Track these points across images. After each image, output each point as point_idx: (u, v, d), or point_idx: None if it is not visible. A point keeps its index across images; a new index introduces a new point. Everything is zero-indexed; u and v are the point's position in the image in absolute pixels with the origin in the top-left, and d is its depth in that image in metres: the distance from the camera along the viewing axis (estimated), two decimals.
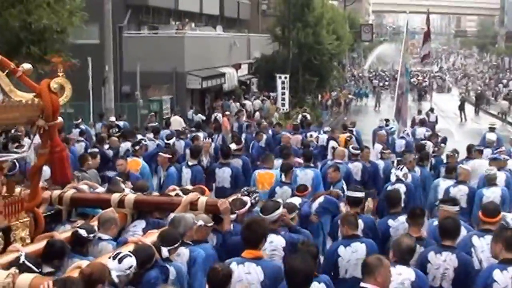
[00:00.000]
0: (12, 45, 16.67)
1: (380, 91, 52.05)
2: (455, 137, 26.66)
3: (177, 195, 7.39)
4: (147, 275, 5.62)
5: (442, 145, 15.54)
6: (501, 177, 10.99)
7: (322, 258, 7.08)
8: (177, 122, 20.51)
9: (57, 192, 7.26)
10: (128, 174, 10.29)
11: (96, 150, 12.63)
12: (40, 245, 6.03)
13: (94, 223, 6.66)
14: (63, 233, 6.52)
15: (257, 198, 7.68)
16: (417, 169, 12.18)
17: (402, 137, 17.21)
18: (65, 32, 18.04)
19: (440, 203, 7.86)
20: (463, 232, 7.02)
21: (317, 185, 10.80)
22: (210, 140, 15.04)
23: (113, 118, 20.30)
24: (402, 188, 10.19)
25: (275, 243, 6.68)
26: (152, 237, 6.15)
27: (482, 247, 6.75)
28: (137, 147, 12.40)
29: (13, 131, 14.81)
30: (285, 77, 31.96)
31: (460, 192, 10.33)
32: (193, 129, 18.19)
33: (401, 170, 10.57)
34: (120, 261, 5.39)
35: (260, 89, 37.94)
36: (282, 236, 6.80)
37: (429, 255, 6.46)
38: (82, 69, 19.88)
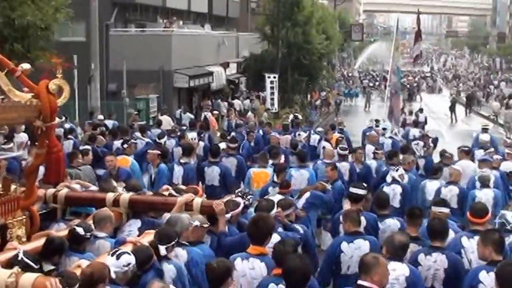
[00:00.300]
0: None
1: (370, 91, 52.39)
2: (445, 138, 26.99)
3: (170, 194, 7.54)
4: (144, 277, 5.75)
5: (432, 145, 15.74)
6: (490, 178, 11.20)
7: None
8: (166, 121, 20.68)
9: (51, 191, 7.41)
10: (118, 170, 10.47)
11: (88, 147, 12.80)
12: (37, 243, 6.19)
13: (89, 222, 6.78)
14: (58, 231, 6.66)
15: (251, 200, 7.84)
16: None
17: (390, 137, 17.40)
18: (50, 29, 17.91)
19: (432, 205, 8.06)
20: (451, 233, 7.13)
21: (313, 185, 10.84)
22: (197, 139, 15.19)
23: (101, 117, 20.44)
24: (398, 189, 10.42)
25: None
26: (149, 237, 6.30)
27: (472, 247, 6.86)
28: (125, 145, 12.60)
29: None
30: (274, 77, 32.11)
31: (451, 192, 10.57)
32: (185, 128, 18.33)
33: (397, 171, 10.72)
34: (118, 257, 5.55)
35: (248, 88, 38.10)
36: (278, 233, 6.94)
37: (419, 257, 6.57)
38: (68, 67, 19.99)
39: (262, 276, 5.98)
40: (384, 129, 18.55)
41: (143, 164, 12.61)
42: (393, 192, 10.33)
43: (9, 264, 5.40)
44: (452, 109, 40.15)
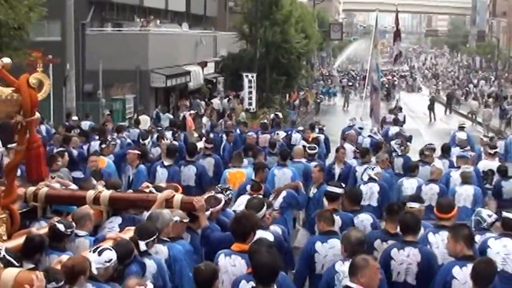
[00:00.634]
0: None
1: (349, 90, 52.80)
2: (424, 137, 27.26)
3: (150, 192, 7.64)
4: (127, 270, 5.92)
5: (408, 143, 15.99)
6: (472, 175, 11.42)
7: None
8: (144, 121, 20.79)
9: (32, 189, 7.50)
10: (101, 171, 10.59)
11: (63, 149, 12.85)
12: (18, 241, 6.29)
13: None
14: (39, 229, 6.75)
15: (230, 196, 8.02)
16: None
17: (369, 136, 17.57)
18: (24, 28, 17.75)
19: (407, 202, 8.18)
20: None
21: (287, 184, 10.87)
22: (172, 139, 15.28)
23: (75, 118, 20.45)
24: (375, 187, 10.58)
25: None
26: (129, 233, 6.45)
27: (437, 243, 7.08)
28: (103, 146, 12.70)
29: None
30: (252, 76, 32.21)
31: (432, 190, 10.81)
32: (160, 128, 18.40)
33: (373, 169, 10.89)
34: (100, 253, 5.71)
35: (226, 88, 38.24)
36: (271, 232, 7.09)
37: (392, 252, 6.72)
38: (42, 67, 19.87)
39: (242, 274, 6.10)
40: (360, 128, 18.75)
41: (121, 165, 12.59)
42: (371, 191, 10.49)
43: None
44: (430, 108, 40.50)
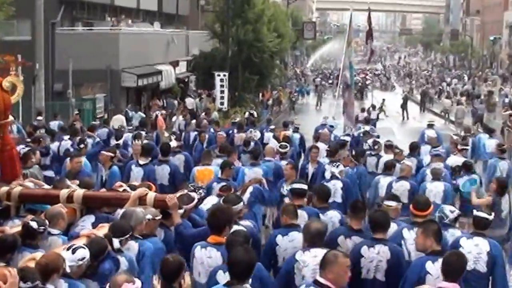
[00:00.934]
0: None
1: (322, 89, 53.18)
2: (396, 136, 27.63)
3: (124, 191, 7.82)
4: (101, 267, 6.11)
5: (380, 142, 16.27)
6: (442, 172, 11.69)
7: None
8: (118, 121, 20.85)
9: (5, 189, 7.60)
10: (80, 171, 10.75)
11: (35, 147, 12.96)
12: None
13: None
14: (13, 227, 6.88)
15: (202, 193, 8.22)
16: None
17: (347, 135, 17.76)
18: None
19: (383, 200, 8.43)
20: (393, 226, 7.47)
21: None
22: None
23: (40, 118, 20.43)
24: (338, 184, 10.74)
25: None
26: (103, 230, 6.61)
27: (412, 239, 7.20)
28: (81, 146, 12.85)
29: None
30: (224, 75, 32.22)
31: (402, 187, 11.01)
32: (131, 127, 18.50)
33: (337, 167, 11.10)
34: (73, 251, 5.88)
35: (198, 87, 38.33)
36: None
37: (362, 249, 6.84)
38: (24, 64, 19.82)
39: (217, 265, 6.33)
40: (331, 126, 18.96)
41: (92, 163, 12.71)
42: (334, 188, 10.52)
43: None
44: (403, 106, 40.83)
